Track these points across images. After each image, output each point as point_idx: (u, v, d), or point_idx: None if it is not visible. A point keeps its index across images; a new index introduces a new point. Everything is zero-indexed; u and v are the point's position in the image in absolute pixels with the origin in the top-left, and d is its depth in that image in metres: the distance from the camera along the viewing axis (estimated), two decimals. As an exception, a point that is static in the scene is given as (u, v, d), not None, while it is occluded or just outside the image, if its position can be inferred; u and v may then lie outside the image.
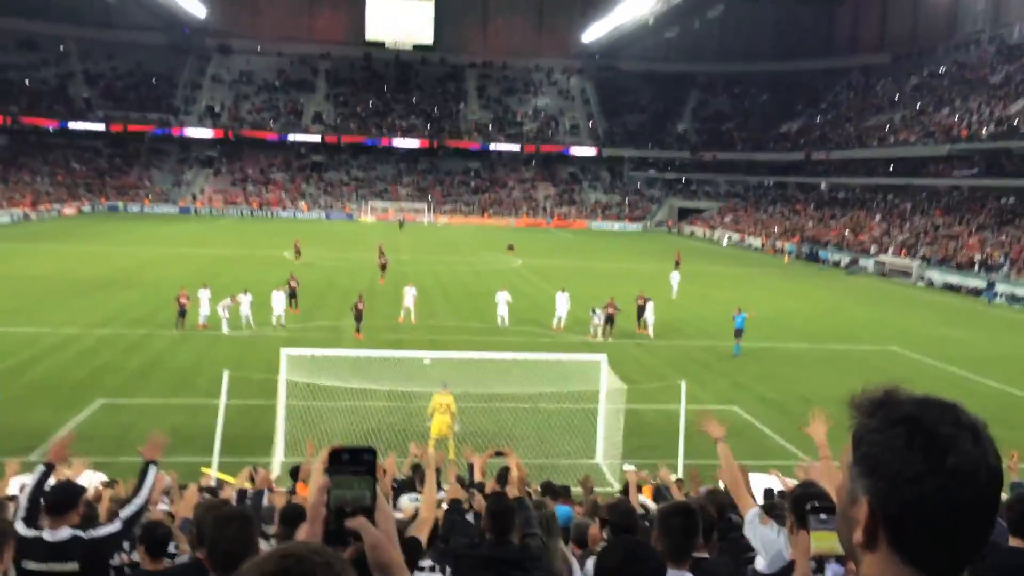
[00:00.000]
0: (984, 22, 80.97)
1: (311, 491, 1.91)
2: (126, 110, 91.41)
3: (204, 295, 28.45)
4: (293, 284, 32.08)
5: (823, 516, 2.55)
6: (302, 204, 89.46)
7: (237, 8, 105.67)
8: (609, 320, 29.38)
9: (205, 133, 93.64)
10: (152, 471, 5.76)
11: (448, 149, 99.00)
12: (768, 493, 9.46)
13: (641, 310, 30.69)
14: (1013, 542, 4.70)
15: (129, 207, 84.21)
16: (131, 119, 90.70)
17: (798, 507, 3.34)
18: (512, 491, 6.21)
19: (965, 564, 1.41)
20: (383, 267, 40.96)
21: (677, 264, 47.28)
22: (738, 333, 27.57)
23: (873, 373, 25.32)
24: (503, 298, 30.94)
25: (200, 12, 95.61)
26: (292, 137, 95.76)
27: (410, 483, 10.07)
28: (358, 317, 27.66)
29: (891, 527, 1.40)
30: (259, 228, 70.55)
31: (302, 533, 1.72)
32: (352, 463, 1.74)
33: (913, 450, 1.37)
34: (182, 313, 27.73)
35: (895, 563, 1.41)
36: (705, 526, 4.35)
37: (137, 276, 39.07)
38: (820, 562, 2.62)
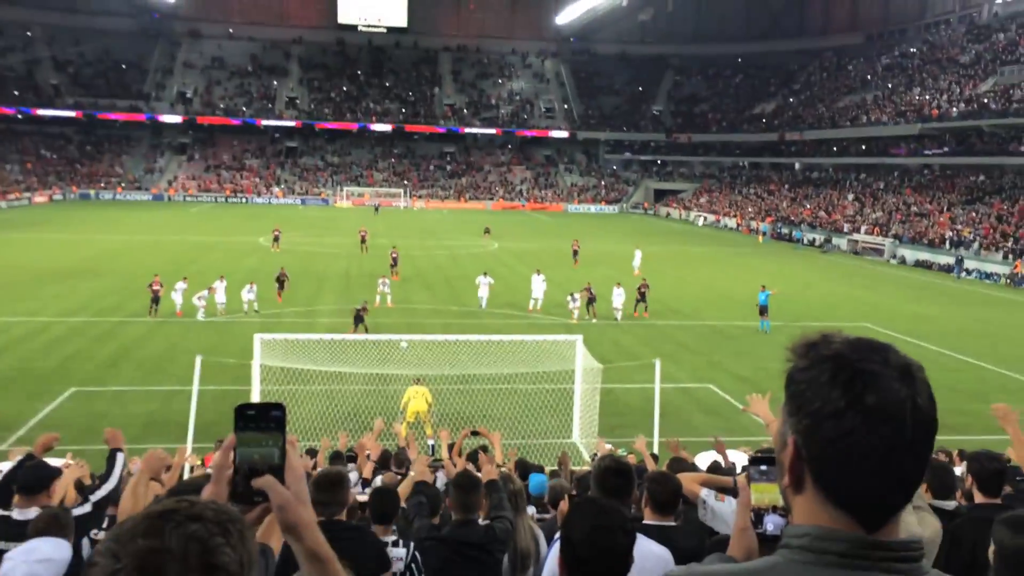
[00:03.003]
0: (954, 3, 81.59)
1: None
2: (95, 96, 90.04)
3: (180, 287, 28.05)
4: (283, 275, 31.77)
5: (763, 467, 2.48)
6: (277, 190, 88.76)
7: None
8: (590, 302, 29.50)
9: (177, 119, 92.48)
10: (120, 457, 5.84)
11: (423, 133, 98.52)
12: (714, 466, 8.98)
13: (643, 295, 30.73)
14: (978, 498, 4.79)
15: (101, 195, 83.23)
16: (101, 106, 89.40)
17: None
18: (486, 470, 6.18)
19: (894, 507, 1.37)
20: (395, 261, 37.43)
21: (575, 253, 44.19)
22: (763, 310, 28.55)
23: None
24: (484, 281, 30.92)
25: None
26: (265, 123, 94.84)
27: (384, 462, 10.10)
28: (359, 319, 25.01)
29: (815, 467, 1.37)
30: (233, 214, 69.90)
31: (206, 493, 1.62)
32: (260, 419, 1.64)
33: (835, 386, 1.35)
34: (155, 300, 27.48)
35: (822, 505, 1.38)
36: (670, 495, 4.34)
37: (109, 264, 38.60)
38: (759, 514, 2.56)
